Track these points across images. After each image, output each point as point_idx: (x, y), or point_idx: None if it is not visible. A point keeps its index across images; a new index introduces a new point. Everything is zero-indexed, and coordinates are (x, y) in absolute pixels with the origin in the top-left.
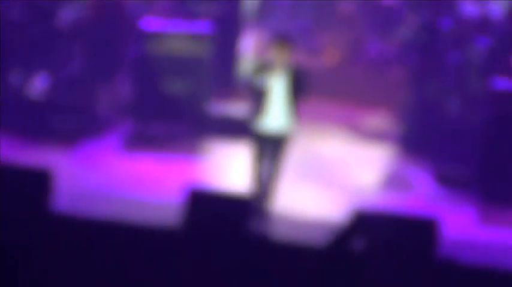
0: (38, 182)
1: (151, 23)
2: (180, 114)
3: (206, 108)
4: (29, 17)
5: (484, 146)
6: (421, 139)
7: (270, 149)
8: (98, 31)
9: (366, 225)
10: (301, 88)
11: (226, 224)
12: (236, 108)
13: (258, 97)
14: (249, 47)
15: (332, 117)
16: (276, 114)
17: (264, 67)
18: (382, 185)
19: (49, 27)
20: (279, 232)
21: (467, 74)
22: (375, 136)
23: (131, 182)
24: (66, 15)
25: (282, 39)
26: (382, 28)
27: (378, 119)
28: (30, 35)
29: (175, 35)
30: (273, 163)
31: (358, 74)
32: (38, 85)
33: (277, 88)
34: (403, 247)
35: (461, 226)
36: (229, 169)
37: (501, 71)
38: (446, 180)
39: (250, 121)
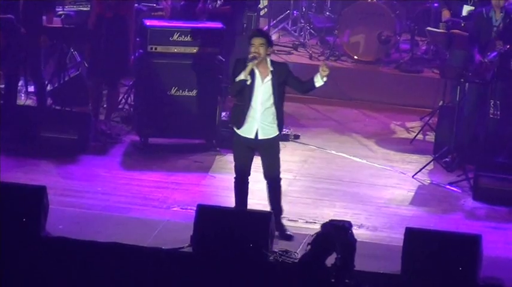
0: (32, 201)
1: (155, 20)
2: (188, 123)
3: (218, 116)
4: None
5: None
6: (461, 148)
7: (262, 157)
8: (100, 32)
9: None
10: (294, 86)
11: (237, 242)
12: None
13: (239, 100)
14: None
15: (361, 124)
16: (258, 119)
17: (244, 66)
18: (415, 200)
19: (38, 28)
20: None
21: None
22: (408, 145)
23: (134, 200)
24: (68, 16)
25: (255, 33)
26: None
27: (412, 126)
28: (19, 37)
29: (182, 32)
30: (269, 174)
31: (389, 76)
32: (30, 92)
33: (260, 90)
34: (446, 263)
35: (504, 243)
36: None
37: None
38: (487, 195)
39: (231, 128)
